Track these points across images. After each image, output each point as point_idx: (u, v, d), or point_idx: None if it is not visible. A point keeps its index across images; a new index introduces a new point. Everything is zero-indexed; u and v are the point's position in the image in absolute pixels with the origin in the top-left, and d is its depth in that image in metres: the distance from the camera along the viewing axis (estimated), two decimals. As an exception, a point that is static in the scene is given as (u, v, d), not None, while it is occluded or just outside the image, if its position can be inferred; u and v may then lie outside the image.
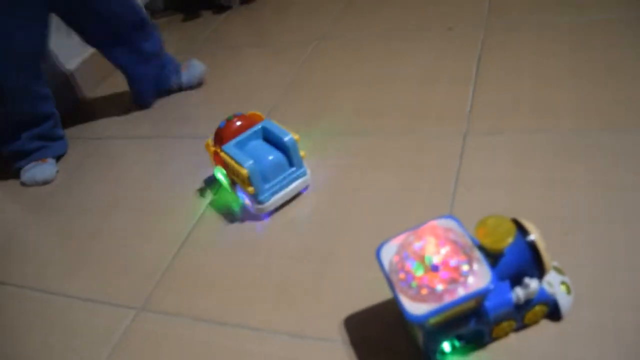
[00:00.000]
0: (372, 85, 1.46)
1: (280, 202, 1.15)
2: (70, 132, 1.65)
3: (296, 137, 1.11)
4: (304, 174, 1.15)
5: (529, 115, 1.20)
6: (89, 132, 1.65)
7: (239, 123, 1.19)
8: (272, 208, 1.14)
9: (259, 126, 1.17)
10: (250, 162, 1.08)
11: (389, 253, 0.72)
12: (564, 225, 0.92)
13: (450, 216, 0.74)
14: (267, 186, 1.12)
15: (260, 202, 1.12)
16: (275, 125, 1.15)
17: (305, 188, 1.18)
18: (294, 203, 1.16)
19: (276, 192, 1.13)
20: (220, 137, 1.19)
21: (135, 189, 1.34)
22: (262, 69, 1.72)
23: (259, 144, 1.16)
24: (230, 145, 1.14)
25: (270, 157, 1.12)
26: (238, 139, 1.16)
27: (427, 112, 1.30)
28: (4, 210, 1.44)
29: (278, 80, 1.61)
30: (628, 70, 1.25)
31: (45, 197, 1.42)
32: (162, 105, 1.68)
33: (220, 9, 2.23)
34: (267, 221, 1.13)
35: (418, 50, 1.56)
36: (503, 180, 1.05)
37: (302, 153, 1.14)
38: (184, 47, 2.02)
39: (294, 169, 1.14)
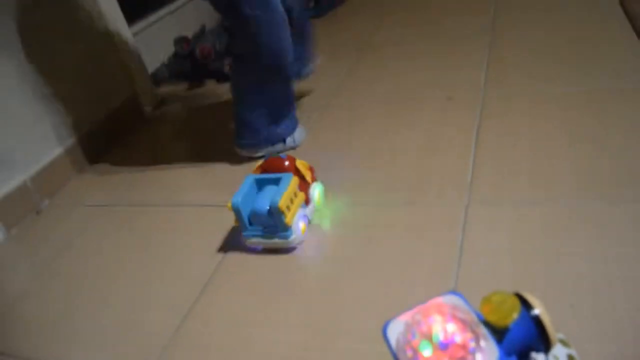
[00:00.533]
0: (373, 156, 1.50)
1: (261, 246, 1.23)
2: (82, 198, 1.68)
3: (281, 204, 1.15)
4: (286, 237, 1.20)
5: (529, 185, 1.23)
6: (92, 197, 1.68)
7: (286, 163, 1.27)
8: (253, 245, 1.24)
9: (282, 175, 1.23)
10: (238, 199, 1.19)
11: (395, 330, 0.73)
12: (569, 295, 0.93)
13: (455, 292, 0.75)
14: (250, 227, 1.21)
15: (244, 235, 1.24)
16: (287, 184, 1.20)
17: (294, 248, 1.23)
18: (297, 273, 1.17)
19: (257, 236, 1.23)
20: (260, 167, 1.29)
21: (143, 256, 1.36)
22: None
23: (272, 190, 1.21)
24: (251, 177, 1.26)
25: (262, 206, 1.19)
26: (263, 176, 1.25)
27: (428, 183, 1.33)
28: (8, 274, 1.45)
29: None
30: (624, 139, 1.29)
31: (48, 261, 1.43)
32: (163, 174, 1.72)
33: (224, 78, 2.30)
34: (269, 292, 1.14)
35: (418, 120, 1.61)
36: (506, 250, 1.06)
37: (287, 220, 1.17)
38: (189, 113, 2.08)
39: (277, 228, 1.20)
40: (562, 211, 1.13)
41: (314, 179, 1.33)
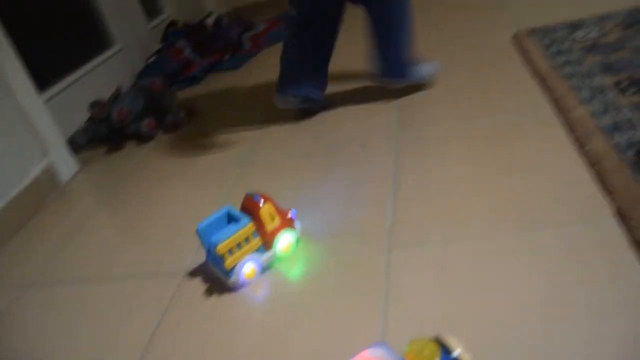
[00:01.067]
0: (295, 207, 1.53)
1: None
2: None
3: (220, 248, 1.23)
4: (226, 278, 1.27)
5: (447, 223, 1.30)
6: (9, 281, 1.61)
7: (261, 204, 1.30)
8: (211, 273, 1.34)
9: (242, 218, 1.29)
10: (202, 225, 1.31)
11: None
12: (497, 330, 0.98)
13: (381, 343, 0.79)
14: (208, 254, 1.32)
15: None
16: (237, 229, 1.25)
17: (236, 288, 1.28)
18: (234, 324, 1.18)
19: (211, 263, 1.33)
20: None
21: (75, 332, 1.31)
22: (188, 196, 1.78)
23: (231, 228, 1.28)
24: (226, 208, 1.35)
25: (214, 240, 1.26)
26: (234, 211, 1.33)
27: (349, 232, 1.38)
28: None
29: (205, 207, 1.65)
30: (534, 169, 1.40)
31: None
32: (88, 248, 1.68)
33: (143, 140, 2.28)
34: (204, 345, 1.13)
35: (337, 170, 1.66)
36: (431, 292, 1.11)
37: (226, 264, 1.24)
38: (110, 179, 2.05)
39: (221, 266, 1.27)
40: (482, 247, 1.20)
41: (284, 227, 1.33)
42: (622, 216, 1.16)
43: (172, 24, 3.47)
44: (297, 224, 1.37)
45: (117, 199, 1.90)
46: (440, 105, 1.89)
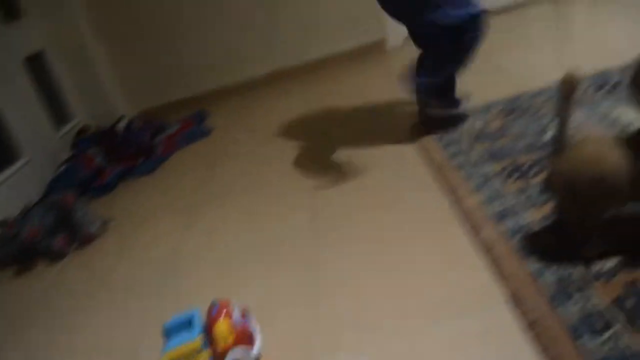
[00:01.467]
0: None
1: None
2: None
3: (163, 358, 1.29)
4: None
5: (358, 327, 1.35)
6: None
7: (219, 318, 1.33)
8: None
9: (195, 330, 1.34)
10: (168, 324, 1.37)
11: None
12: None
13: None
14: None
15: None
16: (183, 341, 1.31)
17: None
18: None
19: None
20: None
21: None
22: (103, 323, 1.73)
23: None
24: (193, 312, 1.39)
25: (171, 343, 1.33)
26: (197, 319, 1.37)
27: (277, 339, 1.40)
28: None
29: (122, 336, 1.63)
30: (433, 261, 1.50)
31: None
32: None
33: (55, 257, 2.22)
34: None
35: (250, 279, 1.70)
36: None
37: None
38: (20, 308, 1.96)
39: None
40: (389, 344, 1.26)
41: (238, 344, 1.31)
42: (515, 300, 1.27)
43: (83, 130, 3.45)
44: (258, 340, 1.37)
45: (26, 330, 1.81)
46: (352, 199, 1.98)
